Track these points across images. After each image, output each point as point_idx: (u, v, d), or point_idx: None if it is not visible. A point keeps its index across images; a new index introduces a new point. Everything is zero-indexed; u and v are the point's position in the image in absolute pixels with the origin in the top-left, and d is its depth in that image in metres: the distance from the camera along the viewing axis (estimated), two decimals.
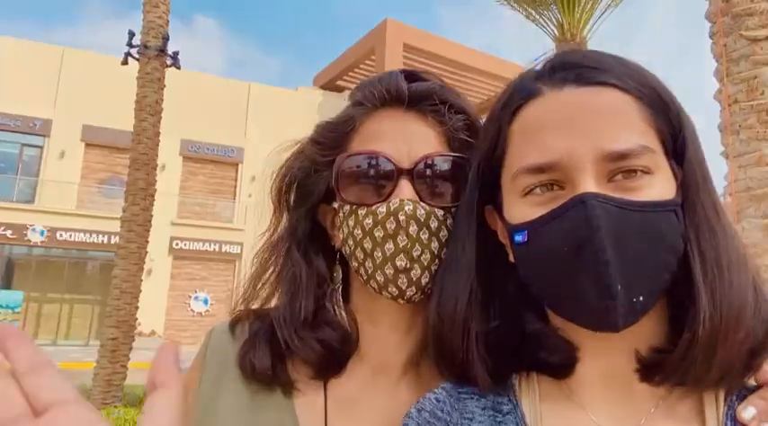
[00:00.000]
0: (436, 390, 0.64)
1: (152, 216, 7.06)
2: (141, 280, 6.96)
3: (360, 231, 0.71)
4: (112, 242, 7.05)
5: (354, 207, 0.72)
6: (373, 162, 0.72)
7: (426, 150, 0.72)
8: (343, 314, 0.76)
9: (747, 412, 0.55)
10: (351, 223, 0.72)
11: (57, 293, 19.89)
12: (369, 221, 0.70)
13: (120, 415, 4.66)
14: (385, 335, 0.75)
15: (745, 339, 0.53)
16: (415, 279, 0.68)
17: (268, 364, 0.71)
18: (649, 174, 0.55)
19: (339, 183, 0.73)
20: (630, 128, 0.55)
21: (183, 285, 20.91)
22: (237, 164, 22.44)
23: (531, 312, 0.61)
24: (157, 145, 7.15)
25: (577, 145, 0.54)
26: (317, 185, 0.77)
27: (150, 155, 7.04)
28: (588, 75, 0.56)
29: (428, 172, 0.71)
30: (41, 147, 20.50)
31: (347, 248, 0.74)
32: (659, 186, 0.55)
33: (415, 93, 0.74)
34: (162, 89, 7.29)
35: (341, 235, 0.75)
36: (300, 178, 0.79)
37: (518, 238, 0.57)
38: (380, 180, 0.71)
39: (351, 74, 25.54)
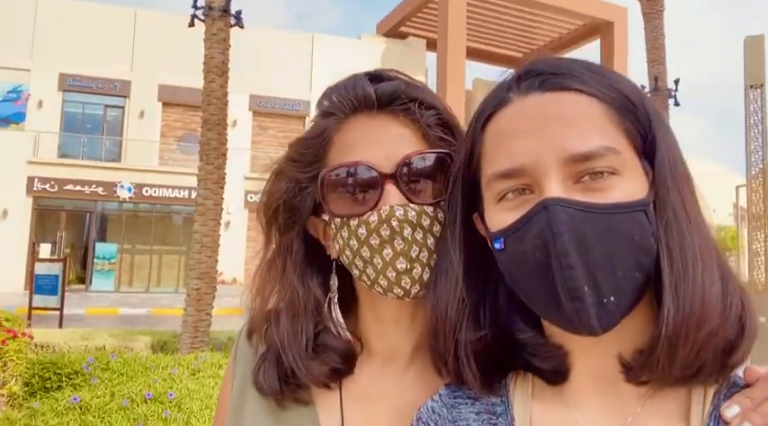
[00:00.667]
0: (434, 397, 0.66)
1: (225, 173, 7.39)
2: (220, 234, 7.39)
3: (355, 241, 0.72)
4: (193, 196, 7.55)
5: (346, 219, 0.73)
6: (356, 172, 0.72)
7: (405, 150, 0.72)
8: (343, 328, 0.78)
9: (731, 410, 0.55)
10: (345, 234, 0.73)
11: (146, 245, 21.45)
12: (362, 231, 0.71)
13: (207, 359, 5.08)
14: (390, 330, 0.79)
15: (709, 337, 0.54)
16: (417, 277, 0.71)
17: (276, 386, 0.77)
18: (616, 175, 0.55)
19: (326, 198, 0.74)
20: (594, 130, 0.55)
21: (259, 236, 21.76)
22: (304, 117, 22.80)
23: (523, 319, 0.61)
24: (226, 104, 7.39)
25: (542, 149, 0.55)
26: (305, 202, 0.77)
27: (220, 115, 7.30)
28: (552, 81, 0.58)
29: (411, 172, 0.72)
30: (123, 108, 21.71)
31: (345, 258, 0.75)
32: (627, 186, 0.55)
33: (383, 95, 0.74)
34: (228, 49, 7.46)
35: (336, 246, 0.76)
36: (287, 199, 0.78)
37: (497, 246, 0.58)
38: (366, 188, 0.72)
39: (414, 19, 24.88)
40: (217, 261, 7.32)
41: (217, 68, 7.34)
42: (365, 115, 0.75)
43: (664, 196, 0.56)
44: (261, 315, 0.81)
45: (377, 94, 0.74)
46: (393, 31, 25.54)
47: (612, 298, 0.53)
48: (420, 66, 25.08)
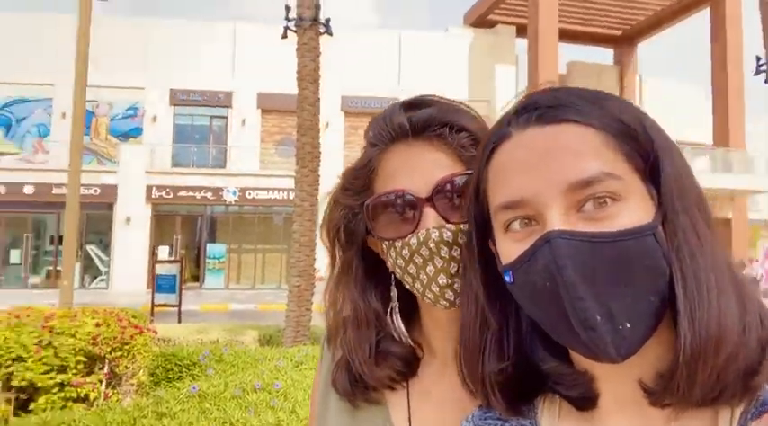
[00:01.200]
0: (468, 418, 0.69)
1: (319, 175, 7.71)
2: (316, 234, 7.72)
3: (402, 261, 0.79)
4: (291, 197, 7.95)
5: (391, 241, 0.79)
6: (395, 198, 0.78)
7: (440, 174, 0.77)
8: (405, 335, 0.84)
9: None
10: (393, 255, 0.80)
11: (251, 244, 22.78)
12: (406, 252, 0.78)
13: (309, 352, 5.35)
14: (445, 335, 0.83)
15: (728, 361, 0.53)
16: (459, 289, 0.75)
17: (348, 388, 0.85)
18: (619, 201, 0.55)
19: (372, 224, 0.81)
20: (591, 158, 0.55)
21: None
22: None
23: (545, 347, 0.62)
24: (318, 110, 7.69)
25: (540, 181, 0.56)
26: (359, 226, 0.84)
27: (313, 120, 7.61)
28: (549, 114, 0.59)
29: (446, 194, 0.76)
30: (226, 118, 23.23)
31: (397, 274, 0.82)
32: (631, 212, 0.55)
33: (417, 123, 0.79)
34: (318, 57, 7.76)
35: (389, 262, 0.83)
36: (343, 224, 0.85)
37: (507, 279, 0.59)
38: (406, 213, 0.78)
39: (502, 5, 24.26)
40: (315, 259, 7.65)
41: (309, 76, 7.65)
42: (402, 144, 0.81)
43: (673, 219, 0.56)
44: (334, 324, 0.89)
45: (411, 123, 0.80)
46: (481, 21, 25.08)
47: (628, 325, 0.53)
48: (509, 54, 24.46)
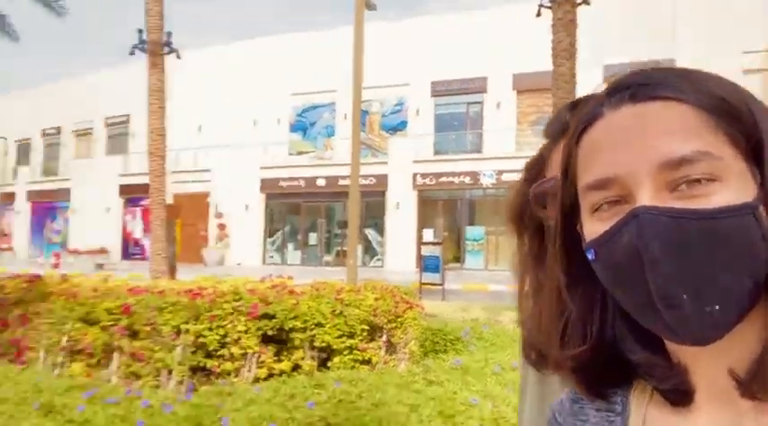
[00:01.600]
0: (567, 390, 0.69)
1: None
2: None
3: None
4: None
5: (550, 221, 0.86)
6: (554, 184, 0.84)
7: None
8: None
9: None
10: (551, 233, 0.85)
11: None
12: None
13: None
14: None
15: None
16: None
17: (531, 356, 0.94)
18: (716, 181, 0.51)
19: (536, 207, 0.93)
20: (687, 136, 0.52)
21: None
22: None
23: (636, 337, 0.59)
24: (575, 87, 7.37)
25: (633, 159, 0.53)
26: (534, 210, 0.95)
27: (569, 97, 7.31)
28: (642, 92, 0.56)
29: None
30: (481, 103, 23.83)
31: None
32: (730, 191, 0.51)
33: None
34: (575, 30, 7.42)
35: None
36: (522, 209, 0.98)
37: (590, 257, 0.57)
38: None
39: None
40: None
41: (564, 52, 7.38)
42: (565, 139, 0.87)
43: None
44: (523, 302, 0.99)
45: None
46: None
47: (717, 307, 0.50)
48: None
